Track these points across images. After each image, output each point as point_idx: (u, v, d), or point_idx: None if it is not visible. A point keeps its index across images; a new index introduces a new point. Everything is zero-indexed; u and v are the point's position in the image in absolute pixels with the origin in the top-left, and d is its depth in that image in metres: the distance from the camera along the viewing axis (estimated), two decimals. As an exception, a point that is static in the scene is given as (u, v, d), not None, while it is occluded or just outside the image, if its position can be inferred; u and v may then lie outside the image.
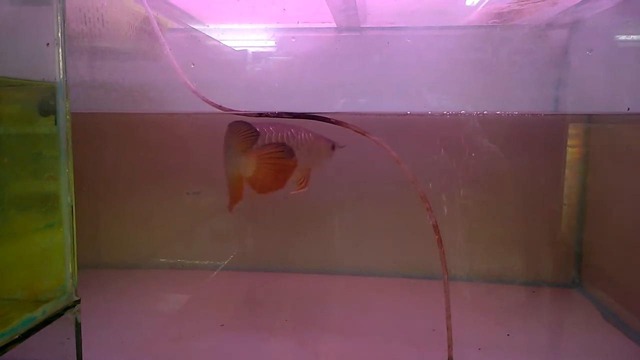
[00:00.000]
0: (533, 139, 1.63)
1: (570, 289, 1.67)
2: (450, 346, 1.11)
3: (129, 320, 1.46)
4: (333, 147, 1.30)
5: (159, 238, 1.87)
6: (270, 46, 1.66)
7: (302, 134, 1.23)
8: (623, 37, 1.46)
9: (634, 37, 1.43)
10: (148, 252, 1.88)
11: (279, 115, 1.12)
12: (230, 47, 1.68)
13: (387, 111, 1.61)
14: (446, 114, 1.50)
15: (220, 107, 1.14)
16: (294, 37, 1.66)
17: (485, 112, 1.46)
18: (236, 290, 1.72)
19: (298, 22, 1.60)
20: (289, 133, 1.20)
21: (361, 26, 1.67)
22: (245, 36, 1.67)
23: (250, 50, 1.67)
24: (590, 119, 1.62)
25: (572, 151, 1.62)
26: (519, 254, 1.67)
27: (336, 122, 1.09)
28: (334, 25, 1.66)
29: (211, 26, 1.66)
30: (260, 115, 1.12)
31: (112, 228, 1.86)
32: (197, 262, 1.87)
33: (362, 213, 1.76)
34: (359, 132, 1.09)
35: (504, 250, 1.67)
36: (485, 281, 1.67)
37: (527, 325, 1.44)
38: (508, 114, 1.49)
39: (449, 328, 1.11)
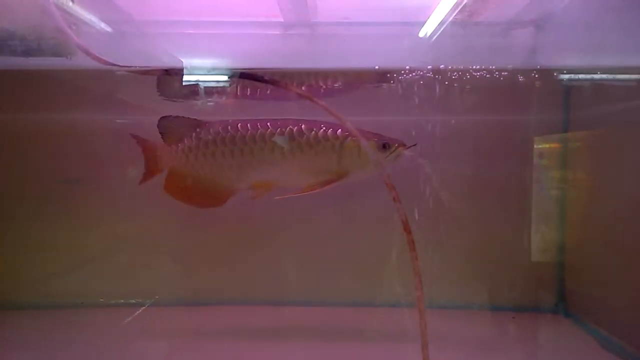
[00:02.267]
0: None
1: (555, 314, 1.47)
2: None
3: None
4: (384, 146, 1.03)
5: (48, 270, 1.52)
6: (208, 43, 1.45)
7: (322, 131, 1.02)
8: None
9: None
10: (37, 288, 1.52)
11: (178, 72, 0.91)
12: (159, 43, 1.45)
13: (343, 67, 1.34)
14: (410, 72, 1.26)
15: (108, 62, 0.98)
16: (235, 32, 1.45)
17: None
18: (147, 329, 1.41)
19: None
20: (296, 128, 1.01)
21: (312, 21, 1.49)
22: (177, 29, 1.44)
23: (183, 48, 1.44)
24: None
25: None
26: (496, 276, 1.45)
27: (271, 82, 0.89)
28: (281, 19, 1.47)
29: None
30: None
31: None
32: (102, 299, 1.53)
33: (314, 234, 1.50)
34: (303, 96, 0.88)
35: (479, 273, 1.45)
36: (459, 308, 1.44)
37: (509, 357, 1.24)
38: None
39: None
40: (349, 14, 1.48)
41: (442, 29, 1.44)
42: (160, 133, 1.17)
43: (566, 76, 1.30)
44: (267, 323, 1.45)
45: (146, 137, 1.20)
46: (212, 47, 1.44)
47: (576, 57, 1.28)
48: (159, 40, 1.45)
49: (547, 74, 1.30)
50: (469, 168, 1.42)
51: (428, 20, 1.38)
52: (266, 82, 0.93)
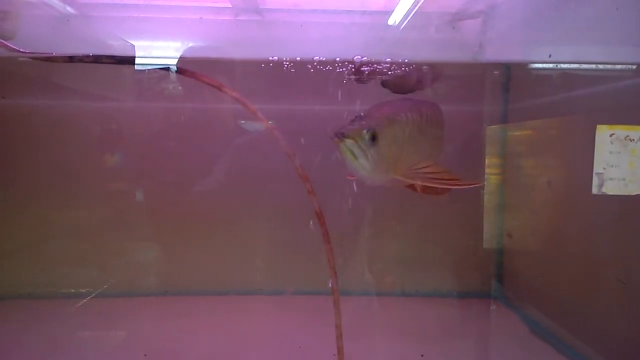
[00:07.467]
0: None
1: (493, 299, 1.50)
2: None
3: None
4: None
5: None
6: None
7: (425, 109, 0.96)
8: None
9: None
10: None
11: (97, 60, 0.90)
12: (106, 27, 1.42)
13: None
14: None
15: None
16: (183, 18, 1.43)
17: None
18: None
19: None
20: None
21: (260, 7, 1.47)
22: (123, 13, 1.42)
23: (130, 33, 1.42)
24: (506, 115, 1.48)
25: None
26: (435, 263, 1.48)
27: (183, 72, 0.89)
28: (228, 5, 1.45)
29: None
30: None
31: None
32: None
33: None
34: (213, 86, 0.88)
35: (417, 260, 1.48)
36: (397, 295, 1.47)
37: (444, 343, 1.26)
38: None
39: (340, 350, 0.89)
40: (299, 1, 1.47)
41: (396, 19, 1.44)
42: None
43: (506, 69, 1.32)
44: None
45: None
46: (160, 32, 1.42)
47: (516, 50, 1.30)
48: (105, 24, 1.43)
49: (487, 67, 1.31)
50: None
51: (380, 10, 1.38)
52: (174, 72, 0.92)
